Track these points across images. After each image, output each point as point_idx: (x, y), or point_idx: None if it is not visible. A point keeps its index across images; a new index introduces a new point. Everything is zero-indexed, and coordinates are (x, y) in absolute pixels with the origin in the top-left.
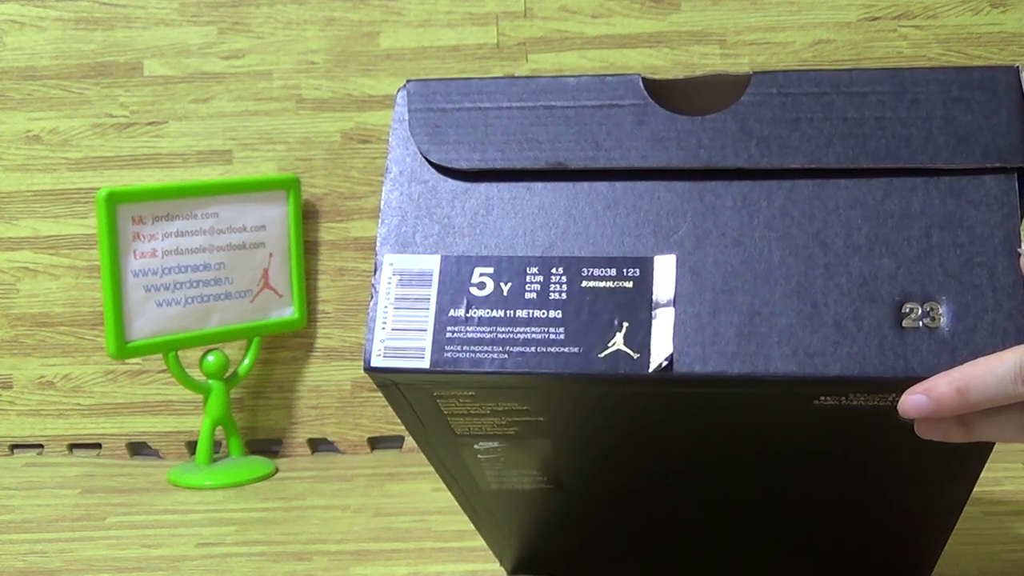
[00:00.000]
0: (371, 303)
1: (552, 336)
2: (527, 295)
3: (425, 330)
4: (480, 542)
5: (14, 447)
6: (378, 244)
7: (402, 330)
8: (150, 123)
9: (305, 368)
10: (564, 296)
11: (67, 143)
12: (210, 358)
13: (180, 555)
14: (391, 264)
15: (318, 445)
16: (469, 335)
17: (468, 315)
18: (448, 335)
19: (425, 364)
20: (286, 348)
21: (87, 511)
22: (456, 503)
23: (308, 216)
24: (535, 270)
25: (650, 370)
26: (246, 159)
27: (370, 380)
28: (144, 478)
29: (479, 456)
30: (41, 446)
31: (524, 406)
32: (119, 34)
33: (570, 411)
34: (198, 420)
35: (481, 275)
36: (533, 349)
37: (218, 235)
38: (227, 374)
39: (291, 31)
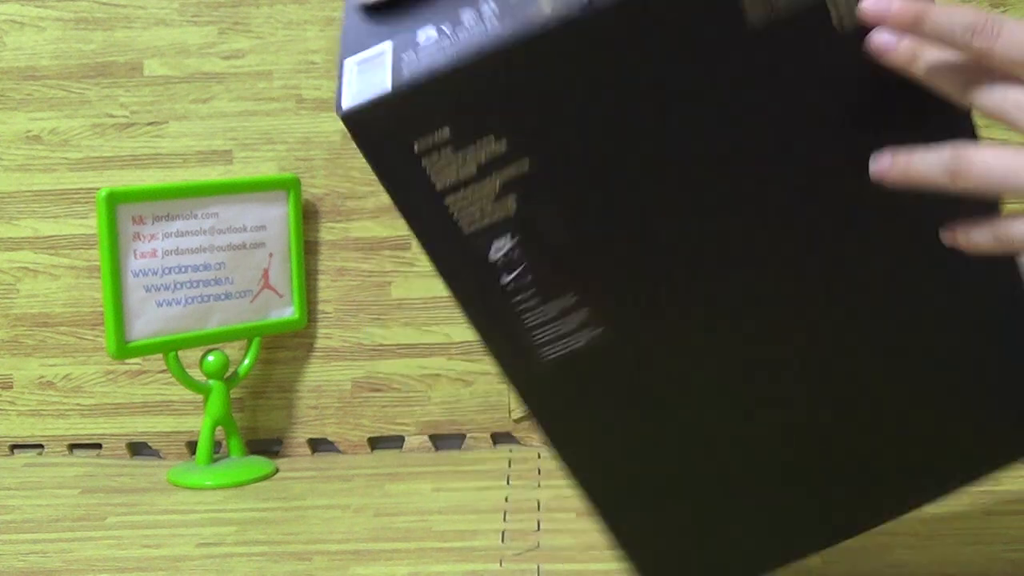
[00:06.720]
0: (337, 86)
1: (488, 13)
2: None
3: (384, 68)
4: (480, 541)
5: (14, 447)
6: (340, 58)
7: (366, 85)
8: (150, 123)
9: (305, 368)
10: None
11: (67, 143)
12: (210, 358)
13: (180, 555)
14: (353, 63)
15: (318, 445)
16: (422, 54)
17: (418, 44)
18: (404, 61)
19: (388, 87)
20: (286, 348)
21: (87, 511)
22: (457, 503)
23: (308, 216)
24: None
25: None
26: (246, 159)
27: (370, 380)
28: (144, 478)
29: (504, 279)
30: (41, 446)
31: (502, 142)
32: (119, 34)
33: (549, 120)
34: (198, 420)
35: (427, 36)
36: (477, 28)
37: (218, 235)
38: (227, 374)
39: (291, 31)
